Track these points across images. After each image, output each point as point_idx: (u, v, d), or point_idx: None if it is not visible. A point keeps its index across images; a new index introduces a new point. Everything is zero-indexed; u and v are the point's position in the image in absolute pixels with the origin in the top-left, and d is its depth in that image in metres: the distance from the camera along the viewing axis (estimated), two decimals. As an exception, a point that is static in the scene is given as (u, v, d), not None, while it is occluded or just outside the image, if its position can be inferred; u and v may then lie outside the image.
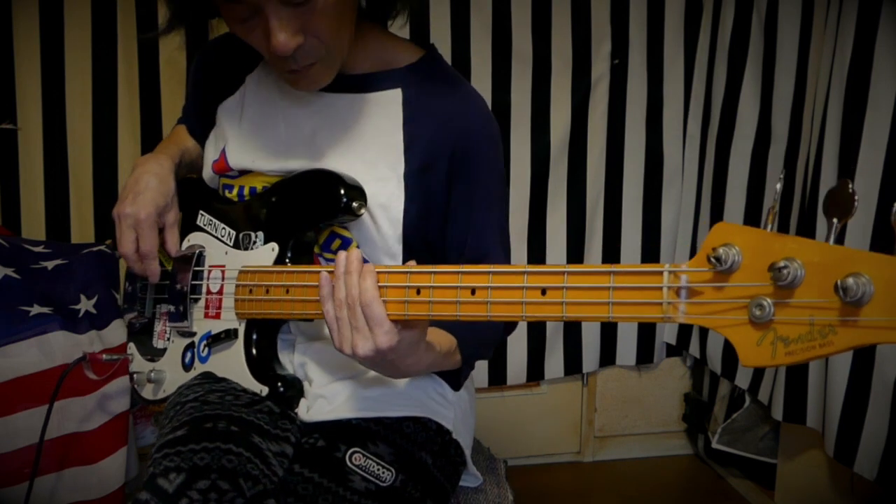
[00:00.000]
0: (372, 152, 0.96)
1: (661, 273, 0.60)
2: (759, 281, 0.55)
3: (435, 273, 0.74)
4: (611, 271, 0.63)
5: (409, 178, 0.95)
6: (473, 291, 0.71)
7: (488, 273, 0.71)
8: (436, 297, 0.73)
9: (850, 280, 0.49)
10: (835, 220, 0.52)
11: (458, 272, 0.73)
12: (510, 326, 1.05)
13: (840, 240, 0.52)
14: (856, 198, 0.51)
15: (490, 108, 1.02)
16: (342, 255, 0.78)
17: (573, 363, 2.11)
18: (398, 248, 0.97)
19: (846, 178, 0.53)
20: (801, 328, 0.52)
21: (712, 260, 0.56)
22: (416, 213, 0.96)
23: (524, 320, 0.69)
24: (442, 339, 0.86)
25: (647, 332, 2.14)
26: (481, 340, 0.97)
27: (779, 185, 0.60)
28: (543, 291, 0.67)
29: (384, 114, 0.97)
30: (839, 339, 0.51)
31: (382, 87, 0.98)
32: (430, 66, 1.01)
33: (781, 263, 0.52)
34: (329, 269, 0.80)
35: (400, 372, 0.82)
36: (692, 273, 0.59)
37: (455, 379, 0.99)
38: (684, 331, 2.13)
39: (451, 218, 0.97)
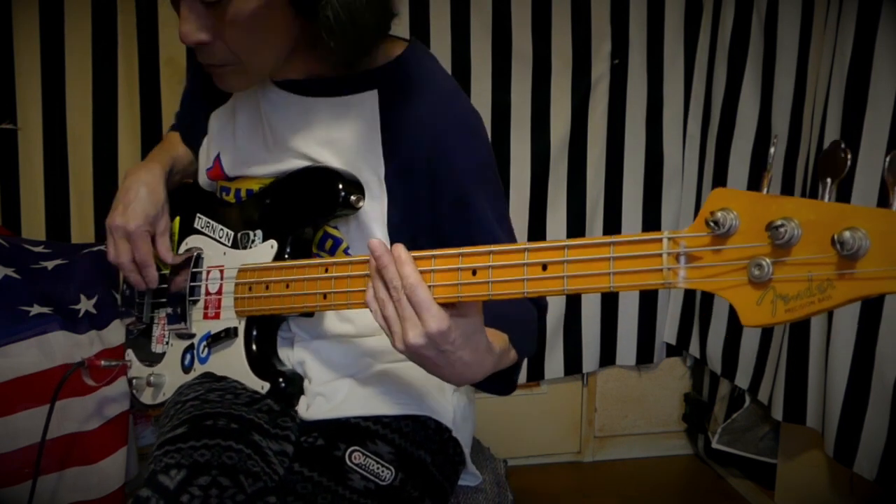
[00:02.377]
0: (353, 155, 0.95)
1: (660, 240, 0.61)
2: (757, 241, 0.55)
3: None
4: (611, 242, 0.63)
5: (389, 179, 0.94)
6: (475, 272, 0.71)
7: (489, 253, 0.71)
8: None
9: (847, 234, 0.50)
10: (828, 180, 0.53)
11: (458, 254, 0.72)
12: (542, 311, 1.00)
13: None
14: (848, 157, 0.52)
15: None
16: (372, 253, 0.74)
17: (573, 363, 2.11)
18: None
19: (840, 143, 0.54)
20: (800, 285, 0.53)
21: (710, 224, 0.57)
22: (400, 216, 0.95)
23: (525, 296, 0.69)
24: (496, 339, 0.82)
25: (647, 331, 2.14)
26: (526, 332, 0.92)
27: (772, 149, 0.60)
28: (544, 267, 0.67)
29: (362, 116, 0.95)
30: (837, 293, 0.51)
31: (359, 89, 0.96)
32: (406, 63, 0.97)
33: (778, 222, 0.53)
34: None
35: (458, 371, 0.76)
36: (691, 238, 0.59)
37: (511, 380, 0.92)
38: (684, 330, 2.13)
39: (447, 223, 0.94)
